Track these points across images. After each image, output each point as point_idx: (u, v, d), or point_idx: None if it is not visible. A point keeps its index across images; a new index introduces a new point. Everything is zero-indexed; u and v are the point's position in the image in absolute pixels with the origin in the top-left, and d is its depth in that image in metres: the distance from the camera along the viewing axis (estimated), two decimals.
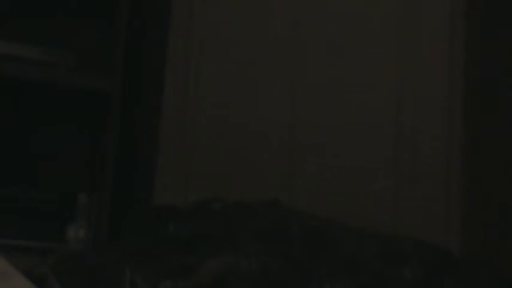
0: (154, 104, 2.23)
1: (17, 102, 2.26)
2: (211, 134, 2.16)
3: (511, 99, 1.98)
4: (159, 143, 2.19)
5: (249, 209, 1.55)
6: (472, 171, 2.01)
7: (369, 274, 1.38)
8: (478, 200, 1.99)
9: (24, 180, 2.23)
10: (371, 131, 2.07)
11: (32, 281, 1.19)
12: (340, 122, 2.09)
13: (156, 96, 2.23)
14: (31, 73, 2.12)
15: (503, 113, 1.99)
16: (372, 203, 2.02)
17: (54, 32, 2.24)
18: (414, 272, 1.41)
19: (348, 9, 2.14)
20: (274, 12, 2.18)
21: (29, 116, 2.28)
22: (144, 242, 1.47)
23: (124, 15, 2.21)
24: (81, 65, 2.18)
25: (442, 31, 2.08)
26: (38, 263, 1.32)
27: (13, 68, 2.10)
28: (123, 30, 2.21)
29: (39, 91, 2.21)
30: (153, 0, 2.36)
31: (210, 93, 2.19)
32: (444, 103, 2.07)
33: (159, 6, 2.32)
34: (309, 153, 2.10)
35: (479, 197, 1.99)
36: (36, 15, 2.23)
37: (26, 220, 2.08)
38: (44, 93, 2.22)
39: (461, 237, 1.98)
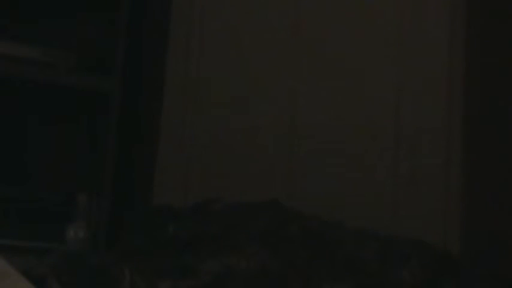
0: (154, 104, 2.23)
1: (17, 102, 2.27)
2: (211, 134, 2.16)
3: (511, 98, 1.98)
4: (158, 143, 2.19)
5: (248, 209, 1.55)
6: (472, 171, 2.01)
7: (368, 275, 1.38)
8: (478, 200, 1.99)
9: (24, 180, 2.23)
10: (371, 131, 2.07)
11: (32, 281, 1.19)
12: (340, 122, 2.09)
13: (156, 96, 2.23)
14: (31, 73, 2.12)
15: (503, 113, 1.99)
16: (372, 203, 2.02)
17: (54, 32, 2.24)
18: (413, 273, 1.41)
19: (349, 9, 2.14)
20: (275, 12, 2.18)
21: (29, 116, 2.29)
22: (143, 242, 1.48)
23: (124, 16, 2.21)
24: (81, 65, 2.18)
25: (442, 31, 2.08)
26: (38, 263, 1.32)
27: (13, 68, 2.10)
28: (123, 30, 2.21)
29: (39, 91, 2.21)
30: (153, 0, 2.36)
31: (210, 93, 2.19)
32: (444, 102, 2.07)
33: (159, 7, 2.32)
34: (309, 153, 2.10)
35: (479, 196, 1.99)
36: (36, 15, 2.23)
37: (26, 220, 2.08)
38: (44, 93, 2.23)
39: (461, 237, 1.98)
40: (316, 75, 2.13)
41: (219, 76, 2.19)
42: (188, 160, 2.16)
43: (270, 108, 2.14)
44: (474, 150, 2.01)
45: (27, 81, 2.14)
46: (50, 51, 2.15)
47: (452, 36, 2.07)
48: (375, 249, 1.44)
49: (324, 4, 2.15)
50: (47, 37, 2.21)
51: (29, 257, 1.43)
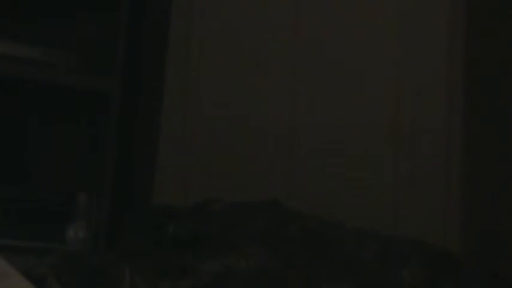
0: (154, 104, 2.23)
1: (17, 102, 2.27)
2: (211, 134, 2.16)
3: (511, 98, 1.98)
4: (159, 143, 2.19)
5: (248, 209, 1.55)
6: (472, 171, 2.01)
7: (369, 275, 1.38)
8: (478, 200, 1.98)
9: (24, 180, 2.23)
10: (371, 131, 2.07)
11: (32, 281, 1.19)
12: (340, 121, 2.09)
13: (156, 96, 2.23)
14: (31, 73, 2.12)
15: (503, 113, 1.99)
16: (372, 203, 2.02)
17: (54, 32, 2.24)
18: (413, 273, 1.41)
19: (349, 9, 2.14)
20: (275, 12, 2.18)
21: (29, 116, 2.29)
22: (143, 242, 1.48)
23: (124, 16, 2.21)
24: (81, 65, 2.18)
25: (442, 30, 2.08)
26: (38, 263, 1.32)
27: (13, 68, 2.10)
28: (123, 30, 2.21)
29: (39, 91, 2.21)
30: (153, 0, 2.36)
31: (210, 93, 2.19)
32: (444, 102, 2.07)
33: (159, 7, 2.32)
34: (309, 153, 2.10)
35: (479, 196, 1.99)
36: (36, 15, 2.23)
37: (26, 220, 2.08)
38: (44, 93, 2.23)
39: (461, 237, 1.97)
40: (316, 75, 2.13)
41: (219, 76, 2.19)
42: (188, 160, 2.16)
43: (270, 108, 2.14)
44: (474, 150, 2.01)
45: (27, 81, 2.14)
46: (50, 51, 2.15)
47: (452, 36, 2.07)
48: (375, 249, 1.44)
49: (324, 4, 2.15)
50: (47, 37, 2.21)
51: (29, 257, 1.43)
